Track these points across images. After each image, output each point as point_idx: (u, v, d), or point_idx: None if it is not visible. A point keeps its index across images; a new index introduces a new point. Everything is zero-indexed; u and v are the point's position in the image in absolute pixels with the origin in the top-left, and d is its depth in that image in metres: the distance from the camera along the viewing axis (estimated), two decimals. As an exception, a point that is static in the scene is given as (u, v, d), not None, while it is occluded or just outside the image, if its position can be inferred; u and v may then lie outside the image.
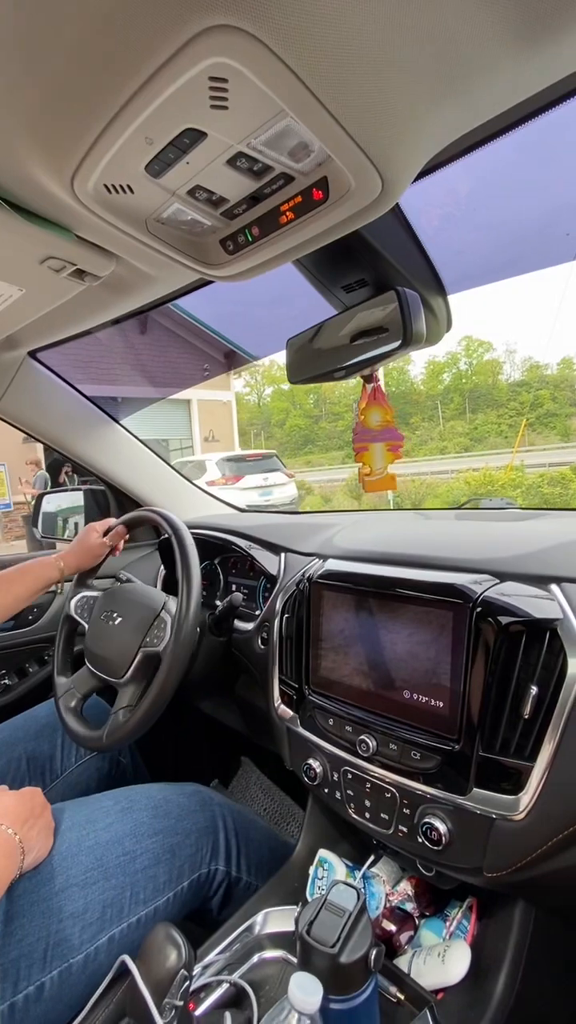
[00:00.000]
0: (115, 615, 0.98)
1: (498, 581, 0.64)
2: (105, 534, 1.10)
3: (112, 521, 1.11)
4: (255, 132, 0.43)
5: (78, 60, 0.37)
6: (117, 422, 1.32)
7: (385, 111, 0.41)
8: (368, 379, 0.68)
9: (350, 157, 0.44)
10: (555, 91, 0.45)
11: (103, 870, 0.70)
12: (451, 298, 0.66)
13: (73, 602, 1.08)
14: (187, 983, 0.53)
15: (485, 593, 0.62)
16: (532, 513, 1.01)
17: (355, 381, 0.71)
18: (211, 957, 0.70)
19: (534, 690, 0.57)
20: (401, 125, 0.43)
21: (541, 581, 0.64)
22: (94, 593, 1.08)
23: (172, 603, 0.94)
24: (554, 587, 0.62)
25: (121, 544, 1.13)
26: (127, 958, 0.54)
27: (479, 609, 0.61)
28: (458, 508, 1.21)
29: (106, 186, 0.49)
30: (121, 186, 0.49)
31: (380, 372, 0.71)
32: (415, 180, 0.56)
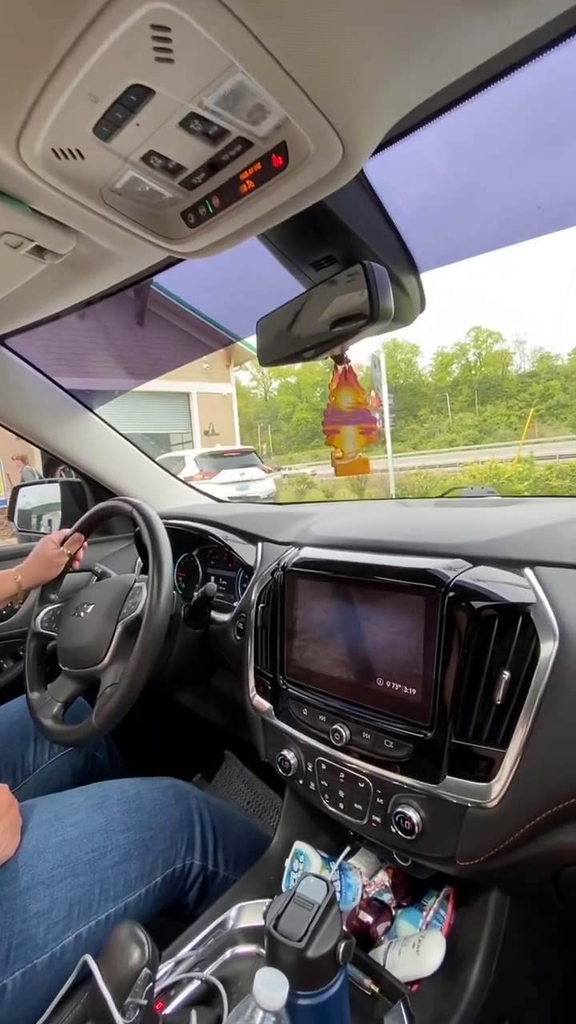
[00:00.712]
0: (86, 606, 0.96)
1: (471, 565, 0.63)
2: (63, 543, 1.07)
3: (67, 531, 1.08)
4: (206, 89, 0.40)
5: (8, 11, 0.34)
6: (92, 412, 1.29)
7: (343, 69, 0.39)
8: (339, 360, 0.66)
9: (308, 119, 0.42)
10: (521, 49, 0.44)
11: (71, 867, 0.68)
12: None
13: (39, 618, 1.05)
14: (151, 982, 0.51)
15: (458, 577, 0.61)
16: (511, 500, 1.00)
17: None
18: (183, 953, 0.68)
19: (507, 675, 0.55)
20: (361, 85, 0.41)
21: (515, 565, 0.62)
22: (59, 604, 1.06)
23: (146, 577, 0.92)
24: (528, 571, 0.61)
25: (81, 553, 1.10)
26: (89, 958, 0.53)
27: (452, 594, 0.60)
28: (438, 497, 1.20)
29: (54, 151, 0.47)
30: (70, 150, 0.47)
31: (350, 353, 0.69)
32: (381, 149, 0.54)
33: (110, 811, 0.76)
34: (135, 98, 0.41)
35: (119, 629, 0.90)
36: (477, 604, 0.58)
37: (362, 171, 0.56)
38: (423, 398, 44.26)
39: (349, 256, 0.62)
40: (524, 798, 0.54)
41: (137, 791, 0.81)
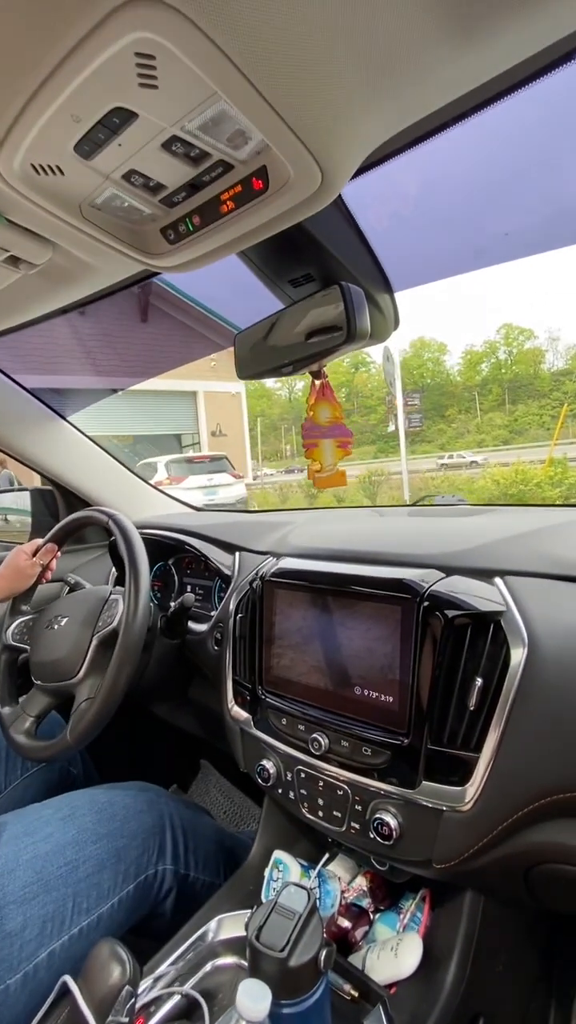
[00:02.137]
0: (60, 618, 0.95)
1: (445, 575, 0.65)
2: (35, 554, 1.05)
3: (39, 541, 1.06)
4: (188, 115, 0.41)
5: None
6: (64, 419, 1.27)
7: (322, 101, 0.41)
8: (316, 375, 0.67)
9: (288, 147, 0.43)
10: (494, 86, 0.46)
11: (43, 883, 0.67)
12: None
13: (10, 631, 1.02)
14: (132, 999, 0.51)
15: (432, 587, 0.63)
16: (481, 509, 1.03)
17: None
18: (163, 968, 0.68)
19: (479, 681, 0.58)
20: (339, 117, 0.42)
21: (486, 575, 0.65)
22: (31, 616, 1.04)
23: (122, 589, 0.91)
24: (498, 580, 0.64)
25: (54, 563, 1.08)
26: (68, 978, 0.52)
27: (426, 603, 0.62)
28: (412, 505, 1.23)
29: (33, 166, 0.47)
30: (50, 166, 0.47)
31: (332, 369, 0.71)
32: (359, 174, 0.55)
33: (81, 822, 0.75)
34: (117, 120, 0.41)
35: (94, 642, 0.89)
36: (450, 613, 0.60)
37: (340, 194, 0.58)
38: (451, 398, 43.04)
39: (326, 275, 0.63)
40: (497, 800, 0.56)
41: (108, 799, 0.80)
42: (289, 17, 0.34)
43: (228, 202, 0.50)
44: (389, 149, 0.53)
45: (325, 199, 0.49)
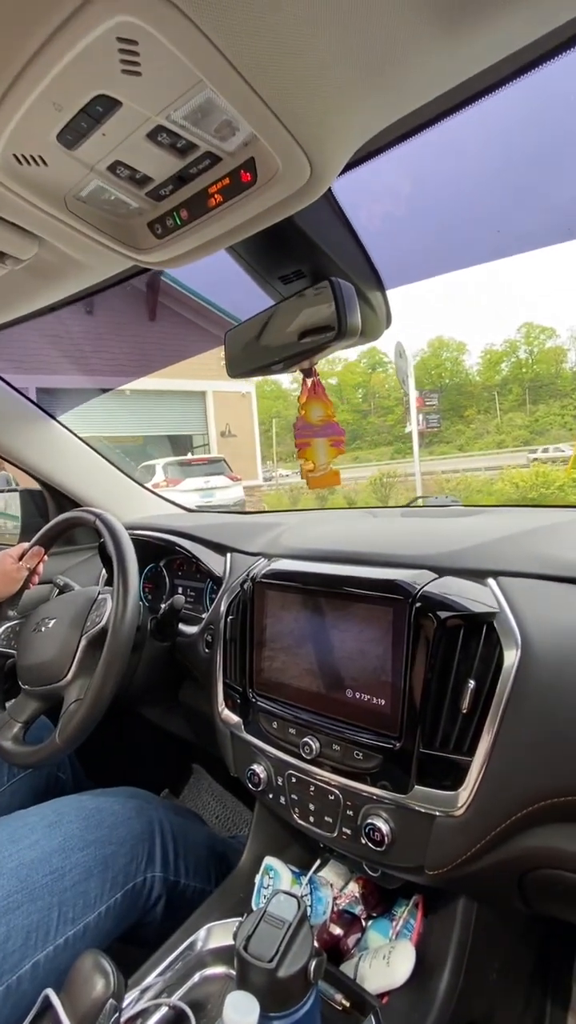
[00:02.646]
0: (47, 620, 0.93)
1: (437, 576, 0.64)
2: (22, 557, 1.03)
3: (26, 545, 1.04)
4: (174, 103, 0.40)
5: None
6: (54, 419, 1.26)
7: (311, 91, 0.40)
8: (307, 373, 0.66)
9: (276, 138, 0.42)
10: (483, 80, 0.45)
11: (28, 892, 0.65)
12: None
13: None
14: (117, 1013, 0.49)
15: (424, 588, 0.62)
16: (473, 510, 1.03)
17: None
18: (150, 979, 0.66)
19: (472, 684, 0.57)
20: (328, 108, 0.42)
21: (478, 575, 0.64)
22: (18, 621, 1.02)
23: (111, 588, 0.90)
24: (491, 581, 0.63)
25: (41, 567, 1.06)
26: (51, 992, 0.50)
27: (418, 604, 0.61)
28: (404, 506, 1.22)
29: (16, 156, 0.46)
30: (32, 156, 0.45)
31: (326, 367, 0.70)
32: (349, 169, 0.55)
33: (68, 828, 0.73)
34: (101, 109, 0.40)
35: (83, 643, 0.88)
36: (443, 614, 0.59)
37: (330, 189, 0.57)
38: (470, 398, 41.46)
39: (317, 271, 0.62)
40: (490, 805, 0.55)
41: (96, 805, 0.79)
42: (276, 5, 0.33)
43: (216, 195, 0.49)
44: (380, 143, 0.52)
45: (315, 193, 0.48)
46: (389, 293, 0.71)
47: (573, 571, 0.61)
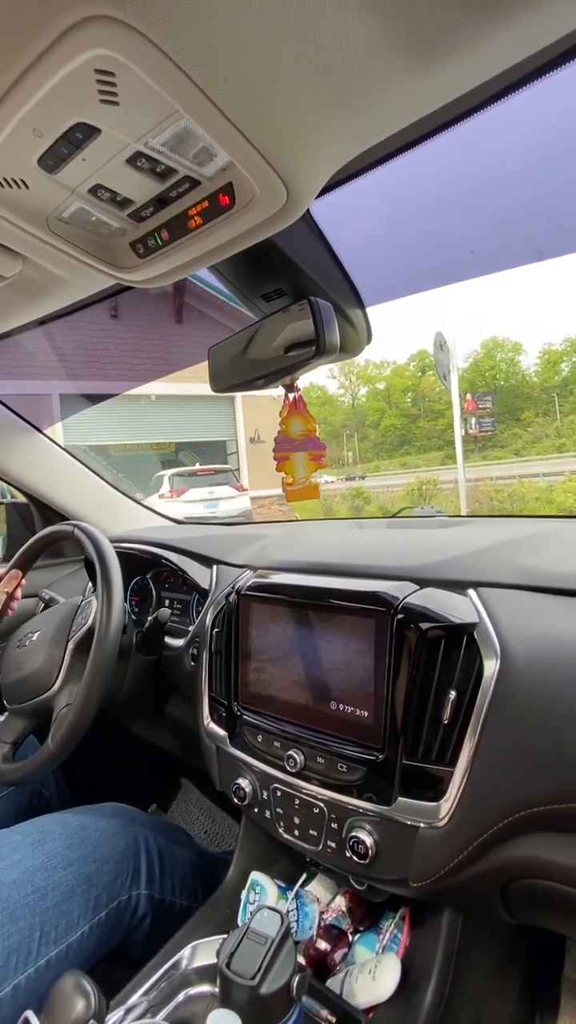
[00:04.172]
0: (31, 634, 0.92)
1: (419, 588, 0.65)
2: None
3: (1, 570, 1.02)
4: (151, 131, 0.41)
5: None
6: (39, 431, 1.26)
7: (285, 121, 0.41)
8: (289, 388, 0.67)
9: (252, 165, 0.43)
10: (453, 109, 0.47)
11: (9, 912, 0.64)
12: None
13: None
14: (98, 1035, 0.49)
15: (406, 600, 0.63)
16: (457, 521, 1.04)
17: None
18: (134, 999, 0.65)
19: (453, 694, 0.57)
20: (303, 136, 0.43)
21: (459, 586, 0.65)
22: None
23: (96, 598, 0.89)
24: (471, 592, 0.64)
25: (19, 592, 1.03)
26: (30, 1014, 0.50)
27: (400, 616, 0.62)
28: (390, 516, 1.23)
29: (-3, 180, 0.46)
30: (13, 180, 0.46)
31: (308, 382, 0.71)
32: (326, 191, 0.56)
33: (51, 847, 0.73)
34: (80, 135, 0.41)
35: (70, 648, 0.87)
36: (424, 625, 0.60)
37: (308, 211, 0.59)
38: (527, 400, 39.41)
39: (297, 290, 0.64)
40: (472, 815, 0.55)
41: (80, 823, 0.78)
42: (248, 39, 0.35)
43: (196, 217, 0.51)
44: (356, 167, 0.54)
45: (291, 216, 0.50)
46: (375, 308, 0.73)
47: (550, 581, 0.62)
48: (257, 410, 11.68)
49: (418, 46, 0.38)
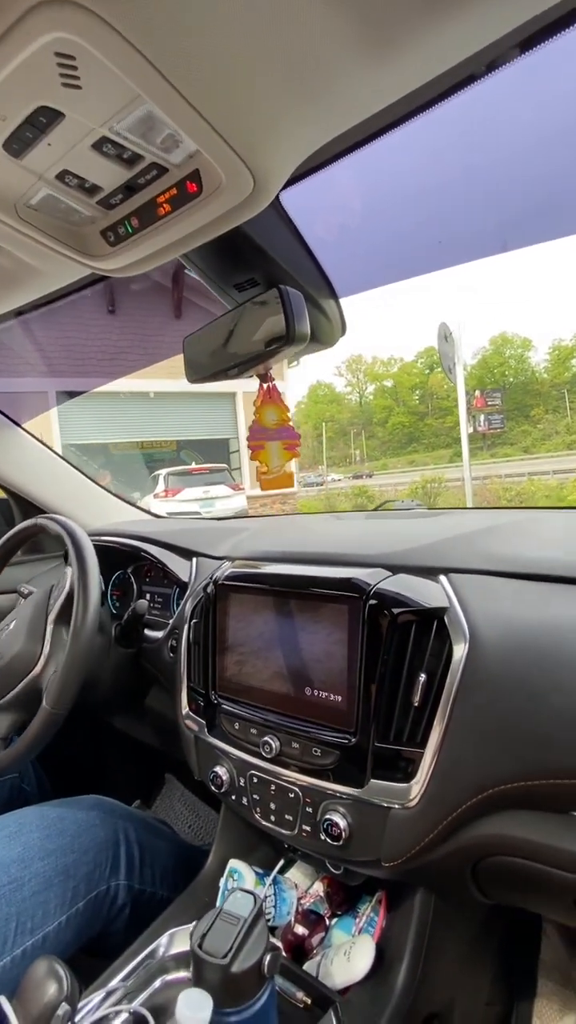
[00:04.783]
0: (8, 625, 0.92)
1: (391, 574, 0.66)
2: None
3: None
4: (116, 115, 0.42)
5: None
6: (18, 425, 1.25)
7: (248, 108, 0.42)
8: (263, 378, 0.68)
9: (217, 151, 0.44)
10: (418, 98, 0.48)
11: None
12: None
13: None
14: (70, 1018, 0.49)
15: (378, 585, 0.64)
16: (434, 512, 1.06)
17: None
18: (112, 985, 0.66)
19: (423, 677, 0.58)
20: (267, 124, 0.43)
21: (431, 573, 0.66)
22: None
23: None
24: (442, 578, 0.65)
25: None
26: (2, 999, 0.50)
27: (373, 601, 0.63)
28: (372, 510, 1.24)
29: (-37, 165, 0.46)
30: (-21, 165, 0.46)
31: (278, 371, 0.71)
32: (296, 180, 0.57)
33: (28, 838, 0.72)
34: (44, 120, 0.41)
35: (51, 618, 0.87)
36: (396, 610, 0.61)
37: (278, 200, 0.59)
38: (536, 397, 38.67)
39: (270, 279, 0.64)
40: (441, 795, 0.56)
41: (58, 814, 0.78)
42: (209, 25, 0.35)
43: (164, 204, 0.51)
44: (323, 156, 0.55)
45: (259, 204, 0.50)
46: (351, 298, 0.74)
47: (518, 567, 0.63)
48: (260, 405, 11.46)
49: (377, 37, 0.39)
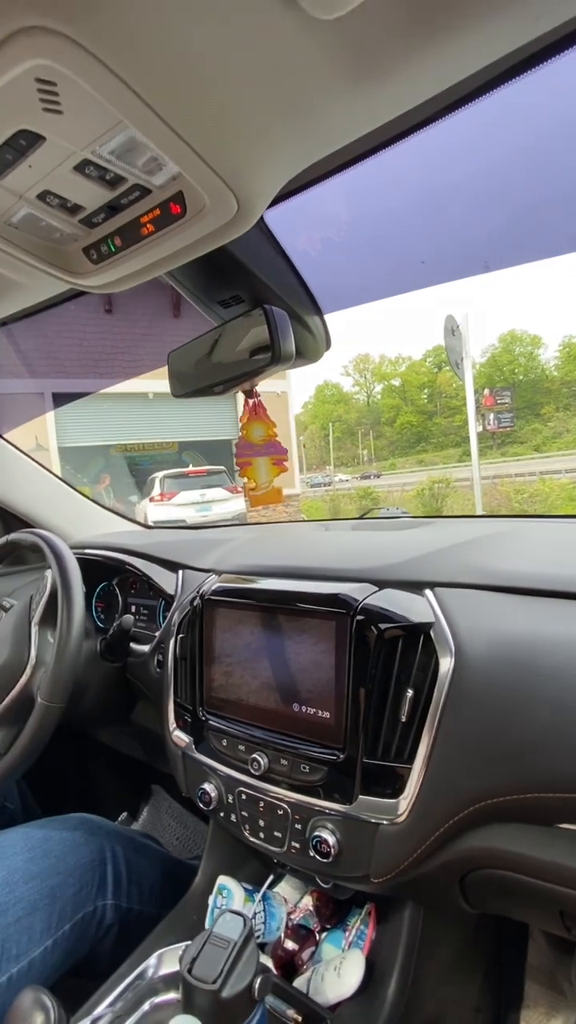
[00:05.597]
0: None
1: (378, 589, 0.67)
2: None
3: None
4: (97, 140, 0.41)
5: None
6: (0, 436, 1.23)
7: (231, 133, 0.42)
8: (248, 394, 0.68)
9: (200, 175, 0.44)
10: (396, 126, 0.48)
11: None
12: None
13: None
14: (58, 1050, 0.48)
15: (365, 601, 0.64)
16: (420, 522, 1.06)
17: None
18: (99, 1010, 0.65)
19: (410, 693, 0.59)
20: (248, 149, 0.44)
21: (416, 587, 0.67)
22: None
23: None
24: (428, 592, 0.66)
25: None
26: (-12, 1034, 0.49)
27: (360, 617, 0.63)
28: (356, 519, 1.25)
29: None
30: (-42, 185, 0.46)
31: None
32: (279, 201, 0.57)
33: (12, 862, 0.71)
34: (24, 142, 0.41)
35: (35, 627, 0.86)
36: (383, 626, 0.62)
37: (262, 219, 0.59)
38: (547, 395, 37.98)
39: (254, 296, 0.64)
40: (430, 810, 0.57)
41: (43, 835, 0.76)
42: (190, 53, 0.35)
43: (148, 225, 0.51)
44: (307, 178, 0.55)
45: (243, 226, 0.50)
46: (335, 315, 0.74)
47: (503, 580, 0.64)
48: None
49: (358, 67, 0.39)
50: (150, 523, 1.55)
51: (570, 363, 40.82)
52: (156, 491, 8.54)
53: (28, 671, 0.85)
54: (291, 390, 11.66)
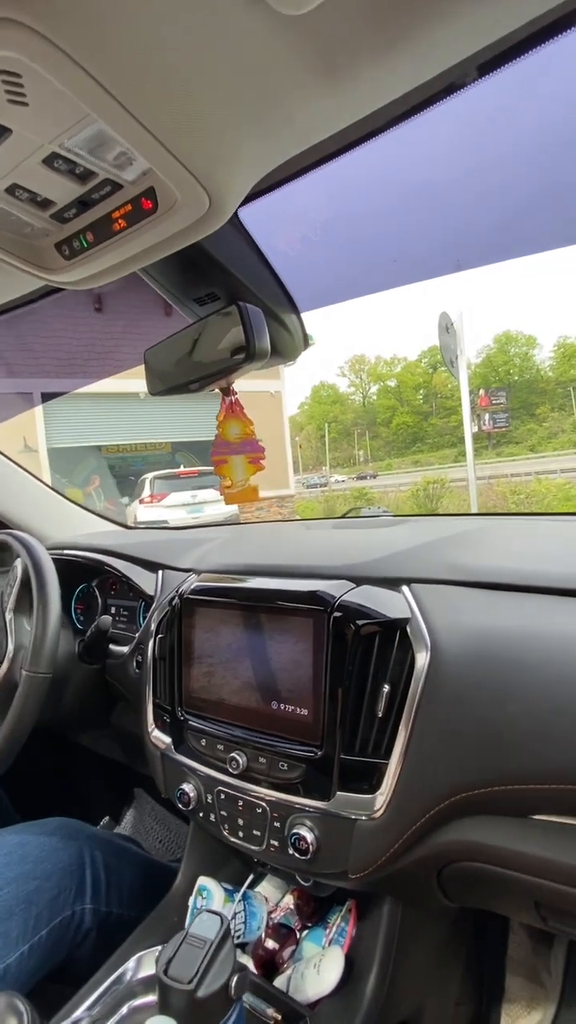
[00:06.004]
0: None
1: (355, 586, 0.67)
2: None
3: None
4: (66, 132, 0.41)
5: None
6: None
7: (201, 129, 0.41)
8: (225, 392, 0.68)
9: (171, 171, 0.44)
10: (371, 123, 0.49)
11: None
12: None
13: None
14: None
15: (342, 598, 0.64)
16: (400, 520, 1.07)
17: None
18: (77, 1014, 0.64)
19: (387, 688, 0.59)
20: (219, 145, 0.43)
21: (393, 583, 0.67)
22: None
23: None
24: (404, 588, 0.66)
25: None
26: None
27: (337, 614, 0.63)
28: (338, 518, 1.25)
29: None
30: None
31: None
32: (253, 198, 0.57)
33: None
34: (-9, 135, 0.40)
35: (9, 614, 0.86)
36: (359, 622, 0.62)
37: (236, 215, 0.59)
38: (542, 395, 38.16)
39: (230, 293, 0.64)
40: (406, 804, 0.57)
41: (20, 839, 0.75)
42: (157, 45, 0.35)
43: (120, 220, 0.50)
44: (281, 175, 0.55)
45: (216, 222, 0.50)
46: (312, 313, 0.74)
47: (478, 576, 0.65)
48: (255, 406, 10.91)
49: (328, 64, 0.39)
50: (133, 525, 1.54)
51: (565, 363, 40.77)
52: (146, 493, 8.42)
53: (7, 660, 0.84)
54: (285, 390, 11.51)
